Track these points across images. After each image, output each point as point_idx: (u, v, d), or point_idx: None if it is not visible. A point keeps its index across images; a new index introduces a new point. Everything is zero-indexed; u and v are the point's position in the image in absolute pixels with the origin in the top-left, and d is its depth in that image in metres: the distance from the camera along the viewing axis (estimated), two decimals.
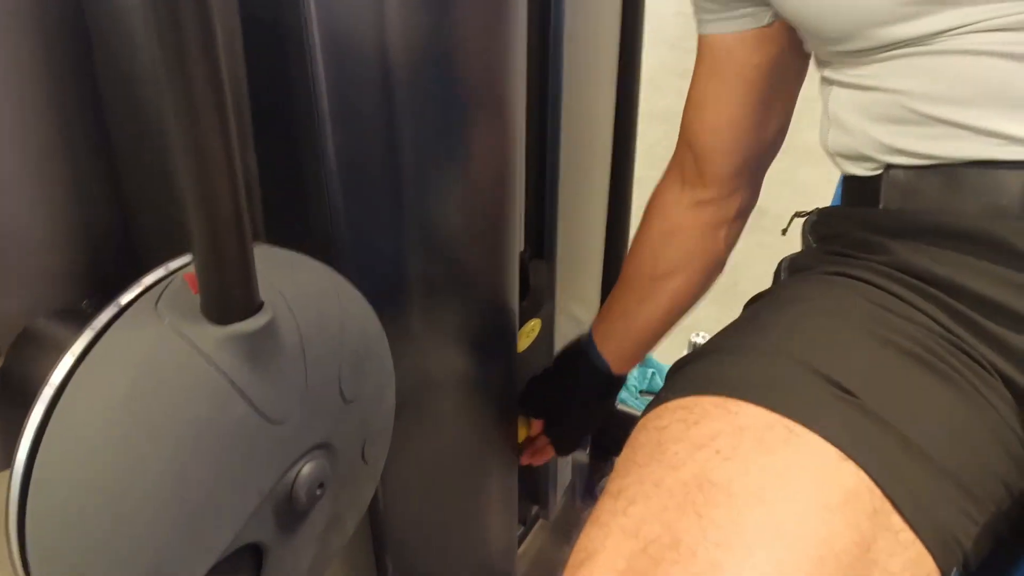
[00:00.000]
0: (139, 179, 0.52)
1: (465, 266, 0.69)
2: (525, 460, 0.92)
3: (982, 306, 0.50)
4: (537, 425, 0.92)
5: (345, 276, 0.48)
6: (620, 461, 0.49)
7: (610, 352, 0.84)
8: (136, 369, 0.37)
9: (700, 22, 0.69)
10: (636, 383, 1.45)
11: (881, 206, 0.56)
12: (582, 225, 1.00)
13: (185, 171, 0.32)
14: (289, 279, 0.43)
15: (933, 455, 0.45)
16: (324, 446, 0.44)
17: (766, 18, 0.65)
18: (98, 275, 0.51)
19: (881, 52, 0.53)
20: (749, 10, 0.65)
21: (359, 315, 0.48)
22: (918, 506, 0.43)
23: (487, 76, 0.61)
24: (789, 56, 0.67)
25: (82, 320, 0.38)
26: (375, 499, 0.63)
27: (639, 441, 0.49)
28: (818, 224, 0.65)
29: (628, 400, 1.41)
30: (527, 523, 1.11)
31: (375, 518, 0.67)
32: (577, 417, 0.89)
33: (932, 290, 0.51)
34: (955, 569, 0.45)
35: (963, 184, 0.51)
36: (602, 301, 1.04)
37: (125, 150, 0.50)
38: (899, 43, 0.52)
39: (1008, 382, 0.49)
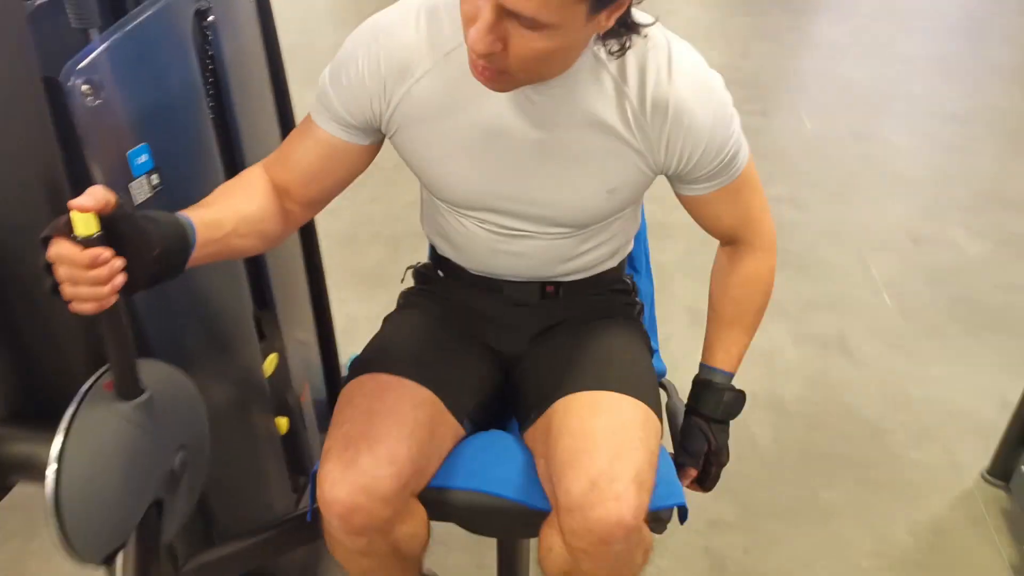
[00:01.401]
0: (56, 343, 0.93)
1: (222, 332, 1.17)
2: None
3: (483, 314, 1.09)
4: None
5: (162, 361, 0.94)
6: (337, 408, 0.99)
7: None
8: (97, 424, 0.82)
9: (315, 111, 0.95)
10: None
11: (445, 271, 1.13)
12: (290, 277, 1.49)
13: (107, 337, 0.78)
14: (152, 370, 0.89)
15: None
16: (183, 446, 0.92)
17: (365, 141, 0.96)
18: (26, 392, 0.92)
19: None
20: (359, 133, 0.95)
21: (182, 381, 0.95)
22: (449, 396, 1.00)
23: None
24: (360, 164, 0.99)
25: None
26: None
27: (344, 399, 1.00)
28: (418, 273, 1.21)
29: None
30: (298, 490, 1.60)
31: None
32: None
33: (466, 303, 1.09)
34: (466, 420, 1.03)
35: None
36: (315, 319, 1.56)
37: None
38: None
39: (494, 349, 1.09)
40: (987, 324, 2.38)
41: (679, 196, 1.03)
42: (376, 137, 0.99)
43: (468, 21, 0.77)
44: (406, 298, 1.19)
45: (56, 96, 0.80)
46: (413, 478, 0.94)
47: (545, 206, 0.97)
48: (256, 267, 1.32)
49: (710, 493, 1.63)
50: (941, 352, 2.26)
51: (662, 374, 1.22)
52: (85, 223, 0.69)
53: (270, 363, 1.35)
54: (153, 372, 0.90)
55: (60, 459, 0.79)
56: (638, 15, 0.85)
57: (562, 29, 0.75)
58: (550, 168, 0.94)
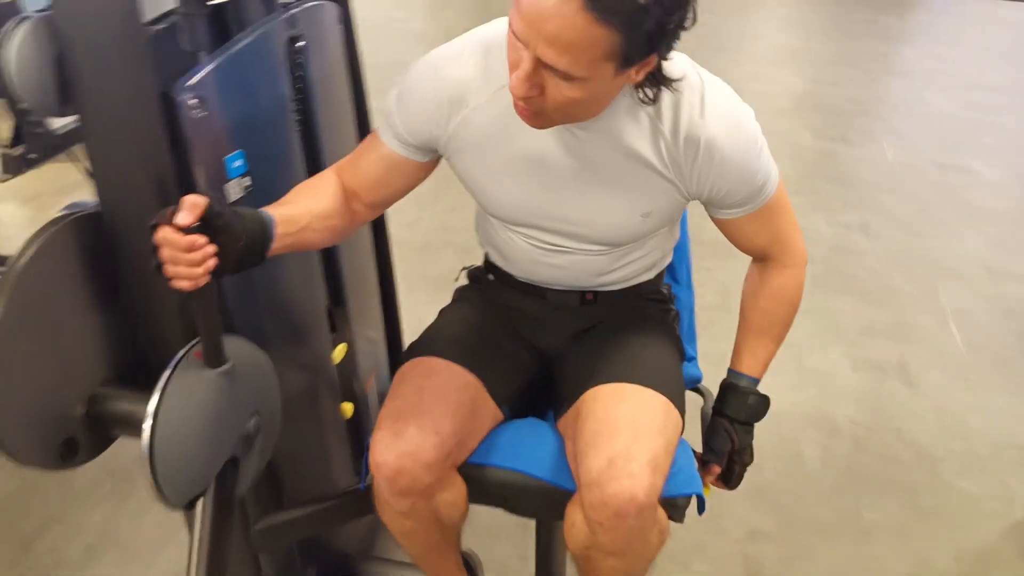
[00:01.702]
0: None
1: (298, 322, 1.31)
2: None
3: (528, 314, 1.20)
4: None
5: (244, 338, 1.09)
6: (392, 385, 1.12)
7: None
8: (187, 387, 0.96)
9: (381, 128, 1.07)
10: None
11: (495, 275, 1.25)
12: (362, 279, 1.63)
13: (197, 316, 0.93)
14: (234, 345, 1.03)
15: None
16: (257, 412, 1.05)
17: (424, 159, 1.08)
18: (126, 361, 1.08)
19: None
20: (417, 151, 1.07)
21: (260, 356, 1.09)
22: (491, 382, 1.12)
23: None
24: (419, 176, 1.12)
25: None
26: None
27: (399, 377, 1.13)
28: (472, 274, 1.32)
29: None
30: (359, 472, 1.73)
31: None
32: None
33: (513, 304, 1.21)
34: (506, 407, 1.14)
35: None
36: (384, 320, 1.70)
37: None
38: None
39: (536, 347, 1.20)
40: None
41: (712, 218, 1.11)
42: (433, 156, 1.10)
43: (512, 66, 0.87)
44: (460, 294, 1.31)
45: (168, 108, 0.96)
46: (454, 451, 1.05)
47: (583, 226, 1.07)
48: (331, 266, 1.47)
49: (753, 505, 1.70)
50: (1004, 385, 2.23)
51: (697, 380, 1.30)
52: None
53: (339, 352, 1.49)
54: (236, 346, 1.04)
55: (155, 416, 0.93)
56: (671, 67, 0.92)
57: (592, 82, 0.84)
58: (588, 194, 1.03)
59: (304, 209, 1.02)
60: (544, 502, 1.08)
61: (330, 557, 1.58)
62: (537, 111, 0.90)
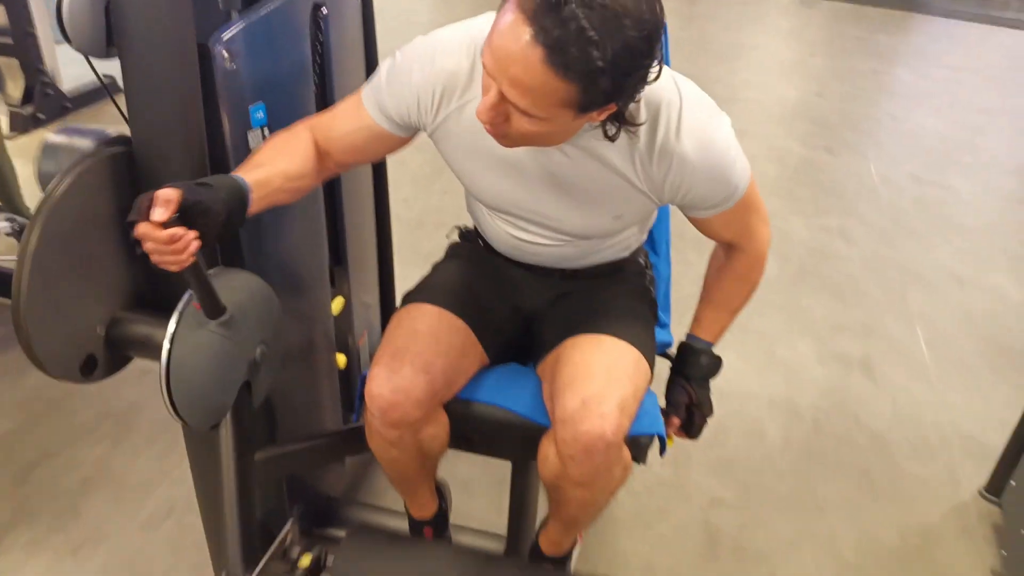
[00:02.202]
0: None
1: (302, 273, 1.41)
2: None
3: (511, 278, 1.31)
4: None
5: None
6: (388, 328, 1.22)
7: None
8: (194, 330, 1.06)
9: (367, 99, 1.11)
10: None
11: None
12: (361, 245, 1.74)
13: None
14: (235, 281, 1.13)
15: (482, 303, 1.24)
16: (263, 341, 1.16)
17: (405, 134, 1.13)
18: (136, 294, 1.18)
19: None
20: (401, 128, 1.12)
21: (262, 286, 1.19)
22: (479, 328, 1.23)
23: None
24: (395, 147, 1.17)
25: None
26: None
27: (395, 321, 1.23)
28: (462, 233, 1.43)
29: None
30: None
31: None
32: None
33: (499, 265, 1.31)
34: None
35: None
36: (380, 287, 1.81)
37: None
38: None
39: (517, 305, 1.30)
40: (1015, 365, 2.47)
41: (690, 217, 1.17)
42: (413, 132, 1.15)
43: (483, 90, 0.91)
44: (452, 250, 1.42)
45: (204, 58, 1.06)
46: (442, 389, 1.16)
47: (558, 222, 1.16)
48: (336, 227, 1.57)
49: (716, 476, 1.84)
50: (960, 384, 2.37)
51: (668, 345, 1.41)
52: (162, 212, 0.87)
53: (337, 304, 1.60)
54: (241, 281, 1.14)
55: (172, 341, 1.03)
56: (637, 109, 0.98)
57: (552, 121, 0.89)
58: (562, 197, 1.11)
59: (277, 171, 1.06)
60: (521, 436, 1.19)
61: (316, 498, 1.68)
62: (503, 134, 0.95)
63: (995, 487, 1.91)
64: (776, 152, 3.92)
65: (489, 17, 0.98)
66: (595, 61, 0.81)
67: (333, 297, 1.59)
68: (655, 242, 1.47)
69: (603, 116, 0.93)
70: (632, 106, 0.97)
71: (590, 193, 1.10)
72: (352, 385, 1.75)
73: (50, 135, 1.15)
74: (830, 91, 4.98)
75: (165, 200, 0.88)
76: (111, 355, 1.15)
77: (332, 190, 1.53)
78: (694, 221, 1.18)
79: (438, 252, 1.45)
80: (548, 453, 1.13)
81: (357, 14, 1.46)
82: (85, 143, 1.12)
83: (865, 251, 3.09)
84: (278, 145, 1.12)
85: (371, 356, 1.84)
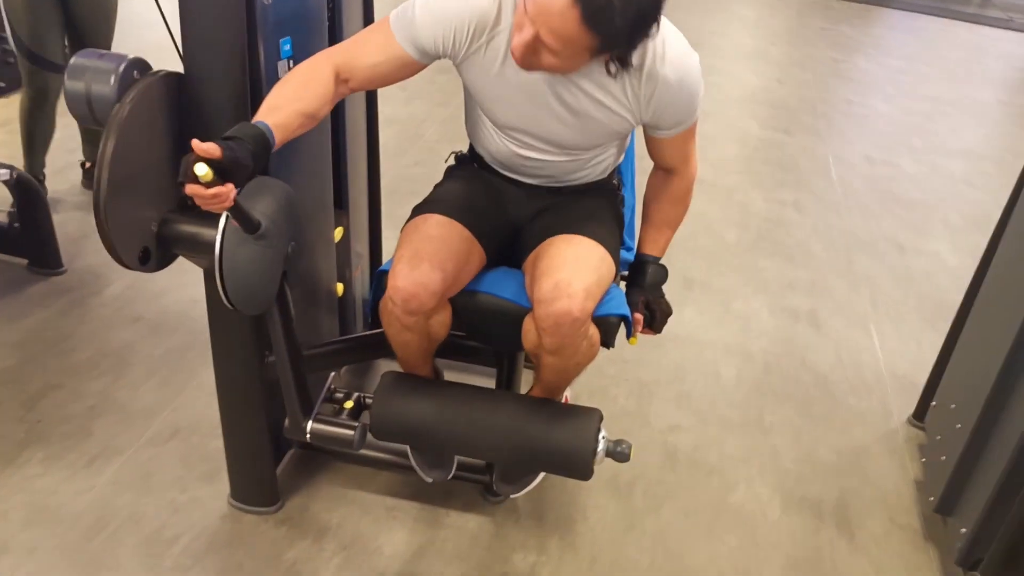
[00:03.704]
0: None
1: (311, 205, 1.69)
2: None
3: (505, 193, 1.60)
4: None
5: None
6: (404, 232, 1.50)
7: None
8: (239, 245, 1.32)
9: (396, 28, 1.35)
10: None
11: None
12: (357, 189, 2.01)
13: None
14: (265, 192, 1.39)
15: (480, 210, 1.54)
16: (293, 238, 1.43)
17: (428, 61, 1.40)
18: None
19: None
20: (427, 56, 1.38)
21: (290, 193, 1.45)
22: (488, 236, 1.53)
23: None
24: (415, 73, 1.42)
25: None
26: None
27: (412, 227, 1.50)
28: (461, 155, 1.72)
29: None
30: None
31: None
32: None
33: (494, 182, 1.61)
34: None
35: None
36: (369, 227, 2.09)
37: None
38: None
39: (509, 215, 1.60)
40: (947, 317, 2.82)
41: (645, 136, 1.51)
42: (435, 59, 1.41)
43: (517, 27, 1.22)
44: (450, 172, 1.71)
45: None
46: (453, 284, 1.45)
47: (558, 136, 1.46)
48: (339, 174, 1.85)
49: (675, 407, 2.17)
50: (896, 333, 2.72)
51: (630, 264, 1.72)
52: (205, 174, 1.10)
53: (338, 233, 1.87)
54: (268, 189, 1.39)
55: (221, 249, 1.28)
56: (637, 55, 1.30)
57: (572, 59, 1.24)
58: (564, 115, 1.41)
59: (294, 111, 1.29)
60: (511, 317, 1.49)
61: None
62: (528, 64, 1.27)
63: (920, 414, 2.25)
64: (737, 133, 4.28)
65: None
66: (617, 22, 1.15)
67: (336, 226, 1.86)
68: (622, 174, 1.77)
69: (610, 57, 1.27)
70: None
71: (588, 112, 1.40)
72: (348, 310, 2.02)
73: (74, 58, 1.36)
74: (790, 78, 5.38)
75: (208, 151, 1.10)
76: (161, 251, 1.41)
77: (337, 139, 1.81)
78: (652, 141, 1.51)
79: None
80: (529, 328, 1.43)
81: None
82: (108, 65, 1.33)
83: (816, 221, 3.45)
84: (296, 83, 1.34)
85: (368, 284, 2.12)
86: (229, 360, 1.61)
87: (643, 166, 1.76)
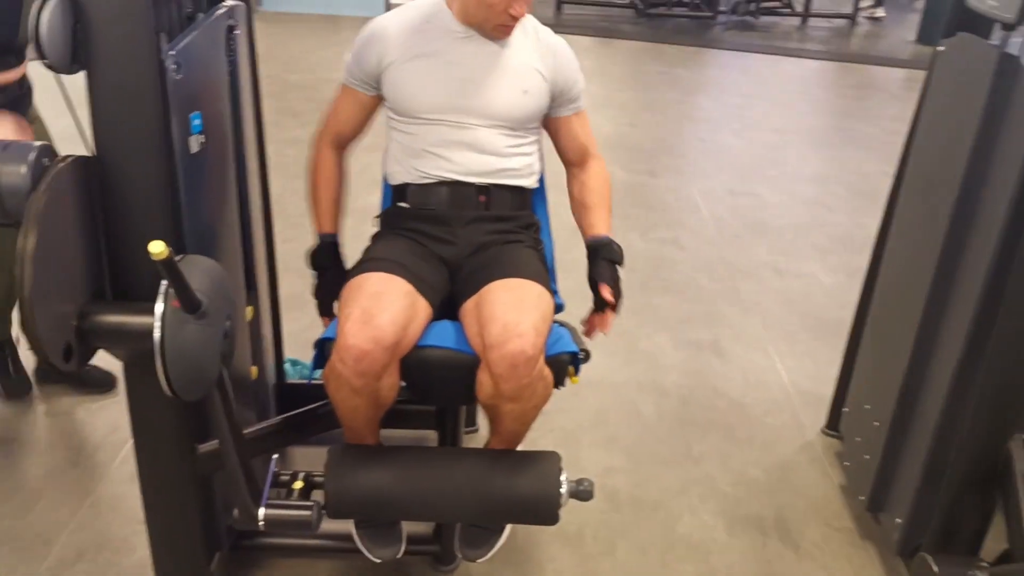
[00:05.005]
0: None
1: (232, 278, 1.70)
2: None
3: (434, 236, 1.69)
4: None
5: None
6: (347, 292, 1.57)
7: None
8: (180, 326, 1.33)
9: (348, 83, 1.79)
10: None
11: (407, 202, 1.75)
12: (262, 267, 2.02)
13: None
14: (198, 269, 1.40)
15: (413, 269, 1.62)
16: (228, 316, 1.44)
17: (377, 88, 1.76)
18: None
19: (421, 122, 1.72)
20: (372, 91, 1.77)
21: (221, 272, 1.46)
22: (429, 287, 1.60)
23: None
24: (373, 113, 1.83)
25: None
26: None
27: (355, 285, 1.56)
28: (385, 215, 1.79)
29: None
30: None
31: None
32: None
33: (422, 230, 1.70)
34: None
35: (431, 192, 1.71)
36: (271, 306, 2.10)
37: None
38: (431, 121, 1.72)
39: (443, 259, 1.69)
40: (831, 331, 3.11)
41: (554, 129, 1.86)
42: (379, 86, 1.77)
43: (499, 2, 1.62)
44: (379, 233, 1.79)
45: (161, 71, 1.36)
46: (404, 338, 1.49)
47: (489, 102, 1.71)
48: (247, 258, 1.86)
49: (605, 451, 2.30)
50: (792, 352, 2.97)
51: (561, 308, 1.82)
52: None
53: (249, 312, 1.87)
54: (200, 266, 1.41)
55: (163, 320, 1.29)
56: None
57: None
58: (489, 76, 1.72)
59: (333, 199, 1.85)
60: (457, 366, 1.55)
61: None
62: (517, 20, 1.68)
63: (832, 423, 2.47)
64: None
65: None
66: None
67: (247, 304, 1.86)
68: (539, 225, 1.89)
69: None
70: None
71: (510, 75, 1.73)
72: (261, 395, 2.01)
73: None
74: (641, 121, 5.77)
75: None
76: (83, 346, 1.37)
77: (243, 216, 1.83)
78: (561, 129, 1.87)
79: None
80: (483, 380, 1.49)
81: (245, 33, 1.80)
82: (16, 154, 1.30)
83: (696, 255, 3.71)
84: (325, 178, 1.85)
85: (276, 369, 2.11)
86: (155, 457, 1.58)
87: (558, 203, 1.88)
